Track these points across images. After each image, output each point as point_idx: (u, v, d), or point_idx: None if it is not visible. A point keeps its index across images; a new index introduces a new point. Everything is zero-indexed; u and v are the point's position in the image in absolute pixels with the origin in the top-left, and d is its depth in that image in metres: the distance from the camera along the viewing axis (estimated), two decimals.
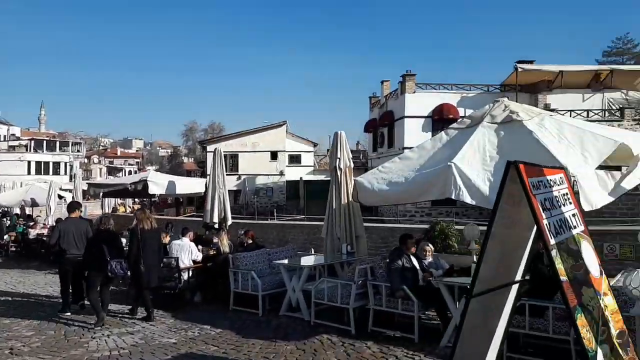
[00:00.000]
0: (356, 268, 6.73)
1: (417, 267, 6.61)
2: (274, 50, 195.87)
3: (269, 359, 5.72)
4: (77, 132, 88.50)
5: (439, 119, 27.90)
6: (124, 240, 8.35)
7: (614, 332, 3.61)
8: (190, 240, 9.33)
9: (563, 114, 22.74)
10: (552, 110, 24.07)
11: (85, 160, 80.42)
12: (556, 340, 5.25)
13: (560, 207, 3.85)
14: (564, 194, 4.00)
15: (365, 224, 13.34)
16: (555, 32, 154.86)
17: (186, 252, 8.95)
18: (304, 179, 40.01)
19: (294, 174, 41.83)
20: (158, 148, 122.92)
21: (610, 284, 5.30)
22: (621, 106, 27.07)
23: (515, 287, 4.37)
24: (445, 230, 9.28)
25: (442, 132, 6.94)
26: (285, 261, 8.08)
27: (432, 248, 7.10)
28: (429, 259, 6.85)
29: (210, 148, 38.03)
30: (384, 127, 32.74)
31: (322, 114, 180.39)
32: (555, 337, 5.17)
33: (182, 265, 8.70)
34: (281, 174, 41.80)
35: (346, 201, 8.44)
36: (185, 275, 8.80)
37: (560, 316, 5.14)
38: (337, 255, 8.36)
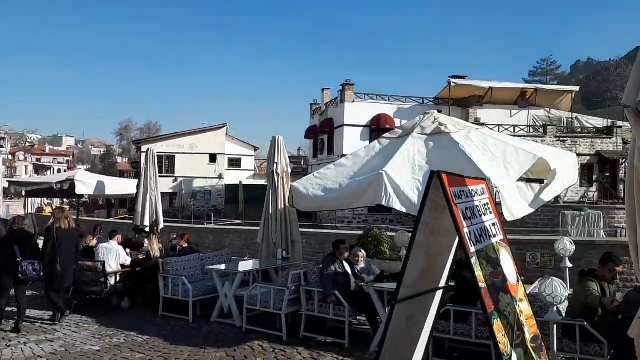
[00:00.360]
0: (290, 273, 6.73)
1: (350, 272, 6.70)
2: (217, 52, 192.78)
3: None
4: (1, 126, 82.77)
5: (377, 129, 28.53)
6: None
7: (528, 336, 3.83)
8: (119, 244, 8.96)
9: (492, 129, 23.99)
10: (482, 124, 25.32)
11: (10, 157, 75.41)
12: (478, 345, 5.48)
13: (481, 216, 4.04)
14: (484, 204, 4.21)
15: (303, 230, 13.40)
16: (488, 51, 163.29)
17: (113, 256, 8.59)
18: (243, 183, 39.53)
19: (233, 177, 41.24)
20: (90, 147, 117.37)
21: (529, 291, 5.64)
22: (544, 123, 28.91)
23: (439, 293, 4.53)
24: (378, 236, 9.48)
25: (376, 141, 7.11)
26: (220, 266, 7.95)
27: (365, 254, 7.22)
28: (361, 264, 6.97)
29: (144, 148, 36.79)
30: (324, 134, 33.06)
31: (265, 119, 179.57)
32: (478, 342, 5.40)
33: (108, 270, 8.34)
34: (220, 177, 41.10)
35: (283, 206, 8.44)
36: (112, 280, 8.44)
37: (482, 322, 5.37)
38: (272, 260, 8.33)
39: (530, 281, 6.47)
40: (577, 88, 34.06)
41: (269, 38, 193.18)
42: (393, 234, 9.70)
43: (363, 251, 7.28)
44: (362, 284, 6.43)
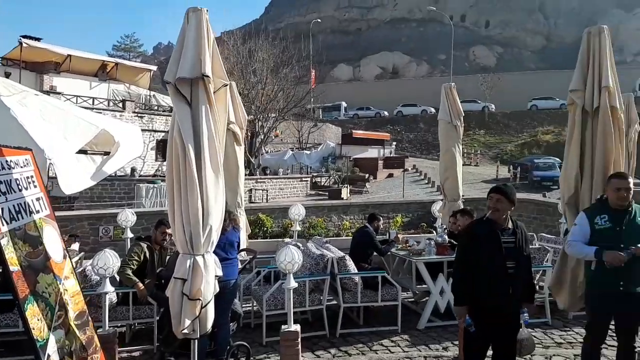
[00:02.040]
0: None
1: None
2: None
3: None
4: None
5: None
6: None
7: (72, 314, 3.64)
8: None
9: (69, 99, 22.50)
10: (58, 93, 23.44)
11: None
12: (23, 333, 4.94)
13: (21, 190, 3.58)
14: (27, 177, 3.75)
15: None
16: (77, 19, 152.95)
17: None
18: None
19: None
20: None
21: (87, 265, 5.47)
22: (123, 98, 29.18)
23: None
24: None
25: None
26: None
27: None
28: None
29: None
30: None
31: None
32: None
33: None
34: None
35: None
36: None
37: None
38: None
39: None
40: (155, 67, 35.97)
41: None
42: None
43: None
44: None
